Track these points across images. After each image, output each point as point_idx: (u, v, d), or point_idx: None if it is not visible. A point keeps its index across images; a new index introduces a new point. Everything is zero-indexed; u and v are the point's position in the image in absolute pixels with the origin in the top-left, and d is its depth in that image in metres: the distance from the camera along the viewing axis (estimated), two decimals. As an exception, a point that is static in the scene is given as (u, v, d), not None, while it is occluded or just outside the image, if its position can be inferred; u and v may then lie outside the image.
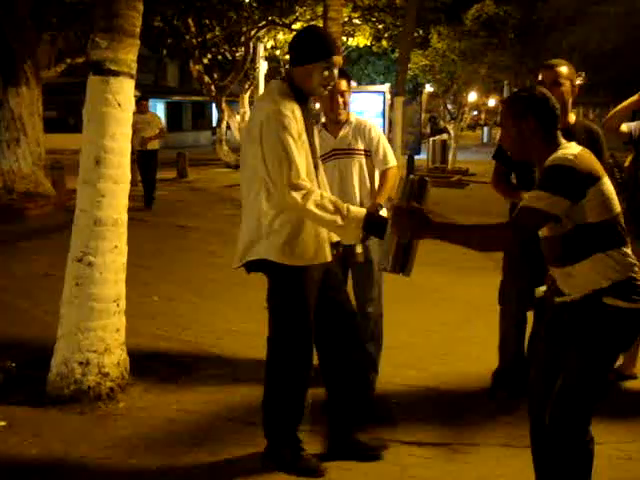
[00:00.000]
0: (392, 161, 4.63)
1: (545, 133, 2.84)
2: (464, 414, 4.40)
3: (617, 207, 2.82)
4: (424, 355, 5.38)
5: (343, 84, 4.42)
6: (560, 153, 2.76)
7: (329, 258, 3.51)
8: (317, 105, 5.77)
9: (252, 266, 3.58)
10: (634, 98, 4.69)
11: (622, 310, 2.78)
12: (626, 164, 4.98)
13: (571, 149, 2.80)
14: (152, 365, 5.02)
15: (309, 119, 3.54)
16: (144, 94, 13.79)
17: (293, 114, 3.34)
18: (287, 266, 3.42)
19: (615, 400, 4.69)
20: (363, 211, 3.42)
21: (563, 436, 2.85)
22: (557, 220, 2.72)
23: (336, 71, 3.46)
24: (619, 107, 4.77)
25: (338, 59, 3.45)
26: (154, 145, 12.92)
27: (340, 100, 4.46)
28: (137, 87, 13.70)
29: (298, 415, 3.62)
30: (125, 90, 4.39)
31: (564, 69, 4.19)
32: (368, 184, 4.57)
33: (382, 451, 3.80)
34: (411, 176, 2.97)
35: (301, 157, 3.33)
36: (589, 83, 25.75)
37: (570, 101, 4.23)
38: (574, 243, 2.77)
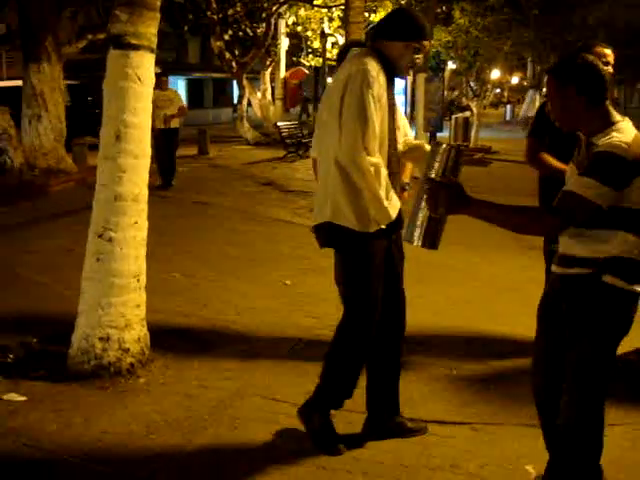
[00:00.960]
0: (410, 135, 4.61)
1: (590, 103, 2.70)
2: (486, 393, 4.37)
3: None
4: (446, 334, 5.34)
5: None
6: (615, 139, 2.62)
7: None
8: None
9: (322, 231, 3.56)
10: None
11: (620, 291, 2.70)
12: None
13: (626, 133, 2.66)
14: (172, 341, 5.03)
15: (392, 96, 3.55)
16: (165, 71, 13.75)
17: (378, 77, 3.37)
18: (356, 232, 3.42)
19: (637, 380, 4.65)
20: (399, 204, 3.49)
21: (578, 428, 2.81)
22: (601, 209, 2.61)
23: (420, 55, 3.53)
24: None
25: (428, 45, 3.55)
26: (175, 123, 12.60)
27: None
28: (158, 64, 13.60)
29: (351, 387, 3.65)
30: (145, 64, 4.36)
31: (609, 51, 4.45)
32: None
33: (424, 433, 3.78)
34: (444, 145, 2.84)
35: (377, 119, 3.35)
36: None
37: None
38: (602, 217, 2.66)
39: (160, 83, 11.60)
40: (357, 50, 3.57)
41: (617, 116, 2.75)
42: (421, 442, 3.70)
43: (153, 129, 4.76)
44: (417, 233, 2.83)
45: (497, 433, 3.86)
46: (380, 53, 3.47)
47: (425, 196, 2.73)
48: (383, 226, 3.43)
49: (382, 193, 3.35)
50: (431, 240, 2.83)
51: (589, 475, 2.86)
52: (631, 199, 2.63)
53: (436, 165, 2.76)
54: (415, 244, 2.86)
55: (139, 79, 4.30)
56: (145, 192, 4.52)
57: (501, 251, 7.77)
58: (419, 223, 2.81)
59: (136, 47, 4.29)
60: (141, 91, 4.34)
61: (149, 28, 4.35)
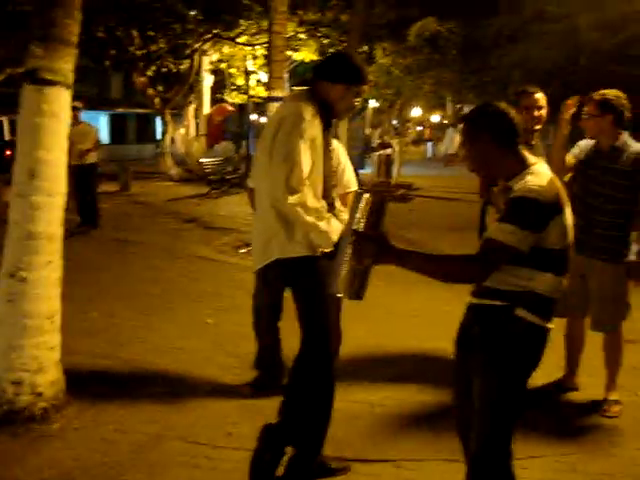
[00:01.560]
0: (354, 185, 4.69)
1: (503, 148, 2.78)
2: (409, 429, 4.38)
3: (571, 237, 2.79)
4: (369, 370, 5.33)
5: None
6: (529, 182, 2.67)
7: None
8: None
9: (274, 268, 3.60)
10: (560, 134, 4.74)
11: (531, 325, 2.75)
12: (566, 178, 5.03)
13: (540, 176, 2.72)
14: (89, 384, 4.88)
15: (328, 138, 3.59)
16: (77, 105, 13.44)
17: (312, 120, 3.42)
18: (308, 257, 3.48)
19: (557, 412, 4.75)
20: (341, 226, 3.53)
21: (484, 458, 2.83)
22: (521, 252, 2.65)
23: (360, 100, 3.64)
24: (554, 149, 4.79)
25: (367, 89, 3.65)
26: (92, 158, 12.00)
27: None
28: (79, 99, 13.32)
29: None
30: (61, 100, 4.27)
31: (539, 95, 4.83)
32: None
33: (346, 473, 3.75)
34: (366, 195, 2.80)
35: (307, 160, 3.39)
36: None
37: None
38: (521, 257, 2.69)
39: (72, 117, 11.23)
40: (301, 92, 3.62)
41: (532, 159, 2.83)
42: (344, 481, 3.67)
43: (69, 166, 4.65)
44: (343, 285, 2.80)
45: (420, 470, 3.86)
46: (318, 95, 3.52)
47: (350, 248, 2.71)
48: (327, 250, 3.50)
49: (316, 221, 3.41)
50: (357, 291, 2.79)
51: None
52: (548, 240, 2.69)
53: (360, 215, 2.74)
54: (341, 295, 2.86)
55: (54, 115, 4.21)
56: (60, 231, 4.39)
57: (422, 285, 7.85)
58: (344, 275, 2.78)
59: (51, 83, 4.20)
60: (56, 127, 4.25)
61: (66, 64, 4.27)
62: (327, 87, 3.51)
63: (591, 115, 4.63)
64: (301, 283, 3.60)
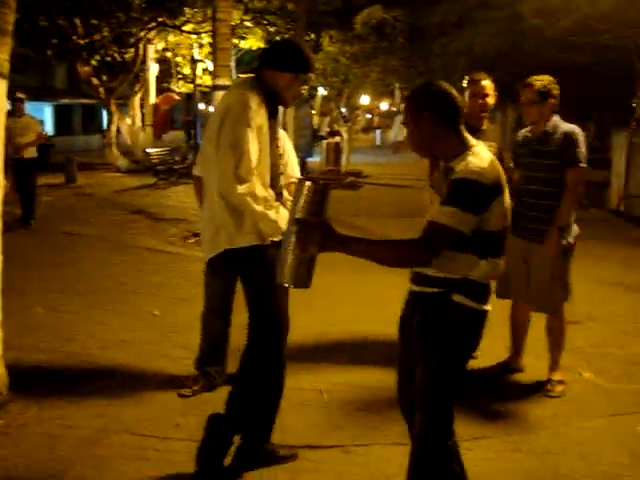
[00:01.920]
0: (296, 173, 4.70)
1: (445, 130, 2.78)
2: (357, 415, 4.41)
3: (509, 220, 2.82)
4: (315, 357, 5.36)
5: None
6: (471, 163, 2.69)
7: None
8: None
9: (219, 261, 3.59)
10: None
11: (468, 309, 2.80)
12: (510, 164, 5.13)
13: (480, 158, 2.72)
14: (34, 380, 4.82)
15: (274, 126, 3.59)
16: (19, 96, 13.05)
17: (258, 108, 3.38)
18: (253, 247, 3.45)
19: (502, 394, 4.84)
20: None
21: (426, 439, 2.87)
22: (464, 235, 2.67)
23: (306, 88, 3.65)
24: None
25: (309, 75, 3.61)
26: (32, 153, 11.28)
27: None
28: (22, 89, 12.93)
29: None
30: (-3, 90, 4.18)
31: (487, 82, 4.95)
32: None
33: (294, 460, 3.77)
34: (308, 183, 2.73)
35: (254, 148, 3.36)
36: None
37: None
38: (459, 241, 2.71)
39: (15, 109, 10.85)
40: (245, 80, 3.61)
41: (472, 140, 2.84)
42: (292, 468, 3.70)
43: (8, 159, 4.55)
44: (288, 273, 2.75)
45: (367, 454, 3.90)
46: (264, 83, 3.50)
47: (294, 237, 2.68)
48: (276, 239, 3.45)
49: (265, 210, 3.38)
50: (303, 279, 2.77)
51: None
52: (489, 223, 2.71)
53: (302, 204, 2.69)
54: (287, 285, 2.81)
55: (-10, 106, 4.12)
56: (-2, 224, 4.31)
57: (367, 271, 7.90)
58: (289, 263, 2.73)
59: (-14, 73, 4.11)
60: (-8, 118, 4.16)
61: (1, 54, 4.18)
62: (273, 75, 3.49)
63: (533, 102, 4.72)
64: (251, 272, 3.58)
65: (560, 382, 4.84)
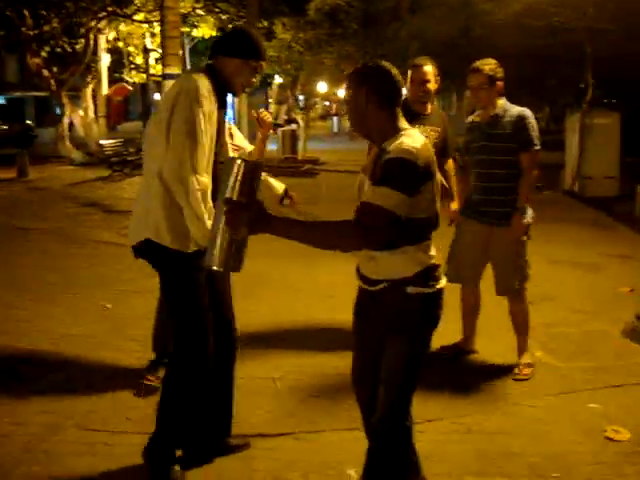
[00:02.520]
0: (247, 146, 4.64)
1: (381, 108, 2.74)
2: (309, 401, 4.41)
3: (438, 207, 2.79)
4: (267, 346, 5.34)
5: None
6: (404, 144, 2.63)
7: None
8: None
9: (141, 250, 3.45)
10: None
11: (424, 295, 2.79)
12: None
13: (414, 139, 2.68)
14: (-20, 377, 4.71)
15: (223, 114, 3.53)
16: None
17: (209, 95, 3.32)
18: (175, 251, 3.33)
19: (453, 375, 4.87)
20: None
21: (389, 420, 2.88)
22: (399, 219, 2.60)
23: (256, 75, 3.53)
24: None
25: (265, 65, 3.55)
26: None
27: None
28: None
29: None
30: None
31: (429, 68, 4.92)
32: None
33: (247, 449, 3.74)
34: (238, 160, 2.61)
35: (207, 140, 3.30)
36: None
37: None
38: (391, 236, 2.69)
39: None
40: (195, 68, 3.56)
41: (406, 124, 2.81)
42: (244, 457, 3.68)
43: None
44: (219, 257, 2.63)
45: (319, 440, 3.90)
46: (214, 71, 3.44)
47: (223, 218, 2.55)
48: (201, 248, 3.29)
49: (205, 214, 3.26)
50: (234, 263, 2.68)
51: (400, 472, 2.93)
52: (419, 207, 2.67)
53: (232, 183, 2.58)
54: (217, 268, 2.68)
55: None
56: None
57: (312, 257, 7.91)
58: (219, 246, 2.61)
59: None
60: None
61: None
62: (224, 62, 3.44)
63: (482, 86, 4.73)
64: (167, 277, 3.47)
65: (528, 365, 4.86)
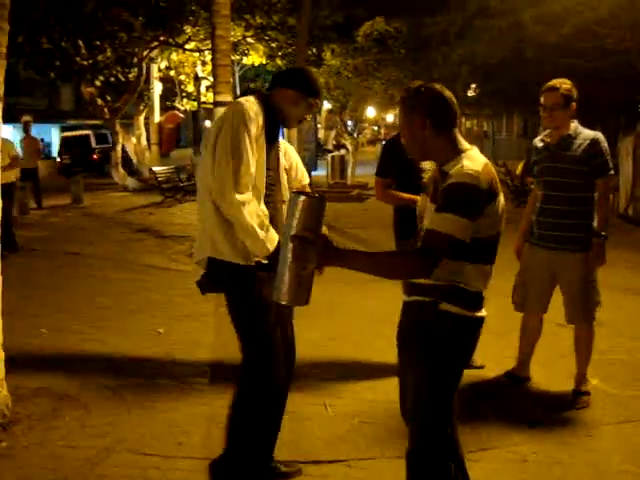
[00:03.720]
0: (306, 179, 4.77)
1: (437, 130, 2.71)
2: (361, 428, 4.37)
3: (502, 225, 2.76)
4: (320, 371, 5.33)
5: None
6: (465, 167, 2.61)
7: None
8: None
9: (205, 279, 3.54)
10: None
11: (458, 317, 2.73)
12: (517, 172, 5.12)
13: (476, 161, 2.66)
14: (38, 400, 4.78)
15: (274, 140, 3.58)
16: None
17: (257, 118, 3.37)
18: (237, 265, 3.38)
19: (508, 403, 4.78)
20: (277, 237, 3.39)
21: (418, 452, 2.81)
22: (463, 243, 2.59)
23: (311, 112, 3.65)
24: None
25: (320, 104, 3.66)
26: (8, 178, 10.04)
27: None
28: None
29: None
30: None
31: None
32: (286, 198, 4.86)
33: (298, 475, 3.73)
34: (302, 196, 2.61)
35: (253, 160, 3.34)
36: (478, 95, 26.61)
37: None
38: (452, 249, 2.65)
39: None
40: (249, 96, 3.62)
41: (466, 144, 2.77)
42: (295, 484, 3.65)
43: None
44: (286, 292, 2.63)
45: (371, 468, 3.85)
46: (272, 102, 3.52)
47: (290, 254, 2.58)
48: (263, 260, 3.38)
49: (256, 226, 3.31)
50: (301, 297, 2.68)
51: None
52: (480, 229, 2.64)
53: (297, 219, 2.58)
54: (285, 303, 2.69)
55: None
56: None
57: (371, 283, 7.87)
58: (287, 281, 2.61)
59: (-19, 95, 4.11)
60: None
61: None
62: (284, 93, 3.51)
63: (557, 106, 4.64)
64: (232, 293, 3.53)
65: (585, 393, 4.76)
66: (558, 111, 4.64)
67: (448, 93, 2.77)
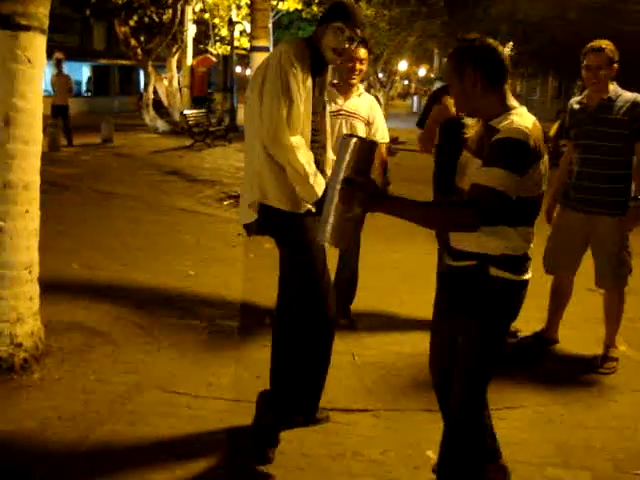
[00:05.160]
0: (386, 138, 4.99)
1: (489, 85, 2.66)
2: (388, 379, 4.41)
3: (545, 186, 2.72)
4: (355, 318, 5.36)
5: (361, 52, 4.85)
6: (515, 123, 2.58)
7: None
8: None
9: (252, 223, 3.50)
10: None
11: (505, 280, 2.73)
12: (551, 133, 5.02)
13: (525, 118, 2.63)
14: (69, 334, 4.86)
15: (322, 83, 3.55)
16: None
17: (303, 61, 3.33)
18: (287, 212, 3.37)
19: (536, 364, 4.79)
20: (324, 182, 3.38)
21: (465, 406, 2.85)
22: (510, 200, 2.55)
23: (349, 42, 3.43)
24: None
25: (357, 31, 3.43)
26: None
27: (358, 66, 4.89)
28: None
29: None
30: (36, 46, 4.15)
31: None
32: None
33: (326, 422, 3.77)
34: (354, 139, 2.58)
35: (300, 100, 3.30)
36: (516, 54, 26.14)
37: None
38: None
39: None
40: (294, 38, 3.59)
41: (515, 102, 2.73)
42: (323, 430, 3.70)
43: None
44: (330, 233, 2.63)
45: (398, 419, 3.89)
46: (313, 41, 3.46)
47: (337, 195, 2.57)
48: (312, 208, 3.37)
49: (307, 169, 3.29)
50: (344, 240, 2.69)
51: (476, 457, 2.90)
52: (525, 188, 2.60)
53: (347, 161, 2.57)
54: (329, 244, 2.71)
55: (29, 61, 4.10)
56: (37, 179, 4.32)
57: (405, 238, 7.86)
58: (332, 223, 2.62)
59: (26, 28, 4.08)
60: (31, 74, 4.14)
61: (39, 8, 4.14)
62: (321, 30, 3.44)
63: (601, 67, 4.54)
64: (281, 237, 3.52)
65: (613, 358, 4.75)
66: (602, 72, 4.55)
67: (501, 48, 2.72)
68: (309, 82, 3.37)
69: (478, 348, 2.79)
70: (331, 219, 2.61)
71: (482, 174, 2.56)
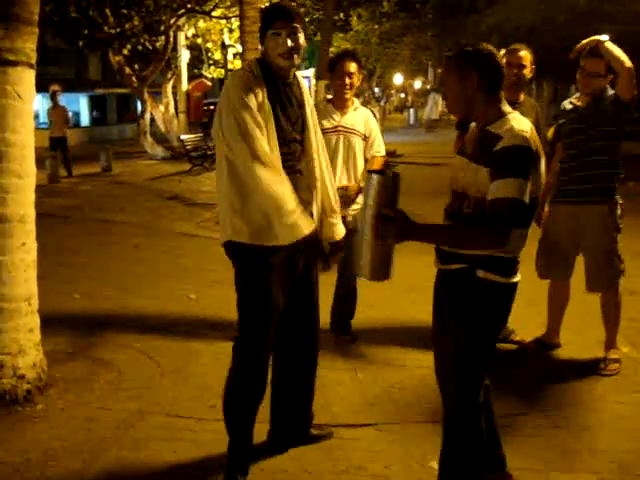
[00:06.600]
0: (382, 150, 5.06)
1: (488, 92, 2.72)
2: (390, 393, 4.40)
3: (541, 188, 2.78)
4: (356, 334, 5.36)
5: (351, 66, 4.91)
6: (515, 129, 2.64)
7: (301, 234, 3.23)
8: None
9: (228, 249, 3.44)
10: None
11: (495, 284, 2.76)
12: (548, 137, 5.06)
13: (521, 123, 2.69)
14: (72, 364, 4.88)
15: (283, 93, 3.34)
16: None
17: (254, 86, 3.19)
18: (251, 247, 3.28)
19: (538, 369, 4.79)
20: (312, 226, 3.28)
21: (457, 415, 2.88)
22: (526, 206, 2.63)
23: (287, 37, 3.21)
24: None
25: (283, 23, 3.21)
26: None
27: (347, 81, 4.91)
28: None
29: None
30: (25, 80, 4.20)
31: (523, 53, 4.75)
32: (360, 164, 5.02)
33: (329, 439, 3.77)
34: (376, 176, 2.65)
35: (262, 129, 3.17)
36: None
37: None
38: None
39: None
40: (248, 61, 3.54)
41: (508, 107, 2.79)
42: (326, 447, 3.70)
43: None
44: (367, 267, 2.72)
45: (401, 432, 3.89)
46: (263, 58, 3.31)
47: (369, 231, 2.64)
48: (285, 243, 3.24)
49: (287, 206, 3.17)
50: (383, 272, 2.74)
51: (472, 463, 2.91)
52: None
53: (373, 197, 2.64)
54: (366, 279, 2.76)
55: (19, 96, 4.15)
56: (32, 212, 4.35)
57: (403, 250, 7.85)
58: (368, 257, 2.69)
59: (14, 63, 4.13)
60: (22, 108, 4.19)
61: (27, 43, 4.19)
62: (264, 43, 3.28)
63: (599, 74, 4.62)
64: (239, 270, 3.48)
65: (615, 360, 4.74)
66: (598, 79, 4.63)
67: (499, 56, 2.78)
68: (266, 105, 3.22)
69: (465, 351, 2.81)
70: (366, 254, 2.69)
71: (500, 188, 2.60)
